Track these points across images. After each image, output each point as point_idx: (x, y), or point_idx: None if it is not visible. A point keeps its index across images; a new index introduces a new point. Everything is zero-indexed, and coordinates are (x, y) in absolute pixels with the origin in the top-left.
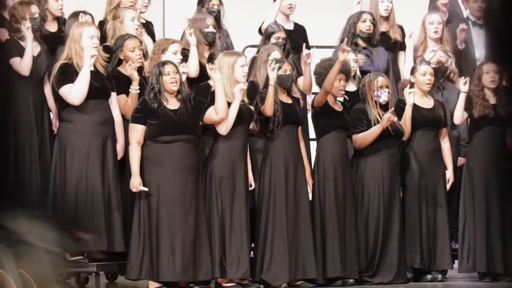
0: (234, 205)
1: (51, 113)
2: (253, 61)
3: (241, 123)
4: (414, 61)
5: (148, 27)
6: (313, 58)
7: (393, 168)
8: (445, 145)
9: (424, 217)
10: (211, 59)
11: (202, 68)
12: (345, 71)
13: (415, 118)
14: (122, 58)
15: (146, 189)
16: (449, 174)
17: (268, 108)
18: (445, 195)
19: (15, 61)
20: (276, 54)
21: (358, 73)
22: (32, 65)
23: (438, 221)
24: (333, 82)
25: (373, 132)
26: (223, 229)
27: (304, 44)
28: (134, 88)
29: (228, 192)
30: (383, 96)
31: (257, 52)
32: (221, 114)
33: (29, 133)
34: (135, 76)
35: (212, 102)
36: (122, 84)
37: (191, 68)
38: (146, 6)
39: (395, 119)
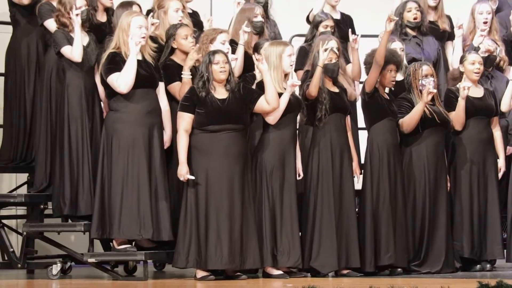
0: (284, 194)
1: (102, 102)
2: (302, 50)
3: (290, 111)
4: (463, 51)
5: (194, 17)
6: (361, 48)
7: (438, 157)
8: (497, 134)
9: (476, 206)
10: (256, 49)
11: (249, 58)
12: (396, 62)
13: (466, 107)
14: (175, 46)
15: (192, 177)
16: (501, 162)
17: (313, 89)
18: (497, 184)
19: (66, 50)
20: (333, 43)
21: (405, 62)
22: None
23: (489, 210)
24: (384, 54)
25: (417, 110)
26: (274, 219)
27: (350, 30)
28: (186, 74)
29: (279, 181)
30: (428, 85)
31: (305, 41)
32: (273, 104)
33: (81, 120)
34: (189, 62)
35: (259, 92)
36: (176, 72)
37: (235, 68)
38: None
39: (435, 91)
